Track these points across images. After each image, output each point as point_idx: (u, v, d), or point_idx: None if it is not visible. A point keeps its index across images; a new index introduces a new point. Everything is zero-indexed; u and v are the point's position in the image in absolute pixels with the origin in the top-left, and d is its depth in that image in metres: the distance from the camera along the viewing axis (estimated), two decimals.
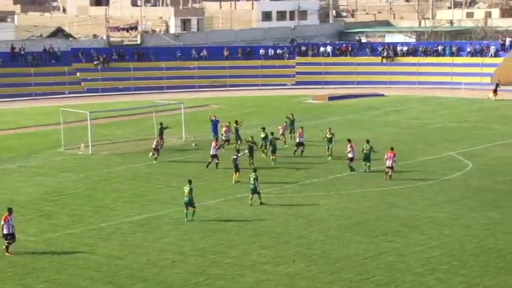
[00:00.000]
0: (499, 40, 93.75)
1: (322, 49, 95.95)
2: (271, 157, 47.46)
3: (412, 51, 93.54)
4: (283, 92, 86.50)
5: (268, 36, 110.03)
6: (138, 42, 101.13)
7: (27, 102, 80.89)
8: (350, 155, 44.82)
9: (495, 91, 76.60)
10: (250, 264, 29.49)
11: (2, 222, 31.09)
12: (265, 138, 49.45)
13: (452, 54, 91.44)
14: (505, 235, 32.72)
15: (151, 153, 49.11)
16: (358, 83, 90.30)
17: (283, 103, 76.34)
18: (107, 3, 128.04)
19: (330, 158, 48.19)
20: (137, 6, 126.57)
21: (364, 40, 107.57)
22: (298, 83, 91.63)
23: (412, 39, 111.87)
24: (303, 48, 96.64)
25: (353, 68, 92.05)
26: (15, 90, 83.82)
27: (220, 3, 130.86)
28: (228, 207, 37.94)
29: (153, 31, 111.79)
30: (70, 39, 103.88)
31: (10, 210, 31.57)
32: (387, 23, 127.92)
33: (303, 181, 43.18)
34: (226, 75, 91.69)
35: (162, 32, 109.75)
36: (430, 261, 29.45)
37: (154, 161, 48.62)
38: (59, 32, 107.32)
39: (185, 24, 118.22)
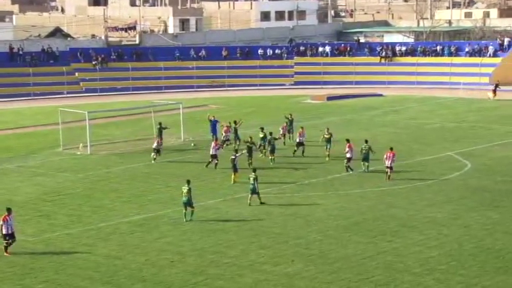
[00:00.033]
0: (498, 40, 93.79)
1: (320, 49, 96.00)
2: (270, 157, 47.46)
3: (411, 51, 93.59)
4: (282, 92, 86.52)
5: (267, 36, 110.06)
6: (137, 42, 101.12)
7: (26, 102, 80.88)
8: (348, 155, 44.83)
9: (494, 91, 76.66)
10: (248, 264, 29.49)
11: (1, 223, 31.05)
12: (263, 138, 49.46)
13: (450, 54, 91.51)
14: (503, 235, 32.73)
15: (153, 154, 49.04)
16: (357, 83, 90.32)
17: (282, 103, 76.36)
18: (106, 3, 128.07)
19: (327, 158, 48.17)
20: (136, 6, 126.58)
21: (362, 40, 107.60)
22: (296, 83, 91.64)
23: (411, 39, 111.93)
24: (302, 48, 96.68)
25: (351, 68, 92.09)
26: (13, 90, 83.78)
27: (218, 3, 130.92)
28: (227, 207, 37.94)
29: (152, 31, 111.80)
30: (68, 39, 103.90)
31: (9, 210, 31.53)
32: (386, 23, 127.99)
33: (302, 181, 43.19)
34: (225, 75, 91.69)
35: (161, 32, 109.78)
36: (428, 261, 29.47)
37: (153, 161, 48.60)
38: (57, 32, 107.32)
39: (184, 24, 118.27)
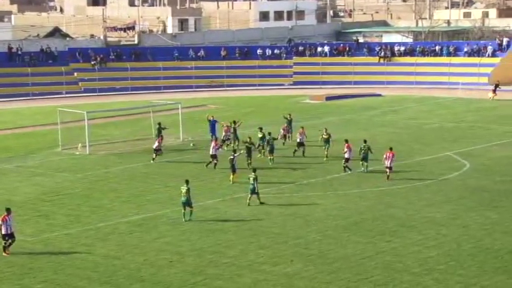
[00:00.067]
0: (496, 40, 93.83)
1: (319, 49, 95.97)
2: (269, 157, 47.44)
3: (410, 51, 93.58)
4: (281, 92, 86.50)
5: (266, 36, 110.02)
6: (136, 42, 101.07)
7: (25, 102, 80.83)
8: (346, 156, 44.83)
9: (494, 91, 76.69)
10: (248, 264, 29.48)
11: (0, 223, 31.06)
12: (262, 138, 49.44)
13: (449, 54, 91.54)
14: (502, 235, 32.74)
15: (155, 155, 48.96)
16: (356, 83, 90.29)
17: (281, 103, 76.35)
18: (104, 3, 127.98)
19: (325, 158, 48.13)
20: (134, 6, 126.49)
21: (361, 40, 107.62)
22: (295, 83, 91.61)
23: (410, 39, 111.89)
24: (301, 48, 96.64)
25: (350, 68, 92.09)
26: (12, 90, 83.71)
27: (217, 3, 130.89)
28: (226, 207, 37.94)
29: (151, 31, 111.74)
30: (67, 39, 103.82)
31: (8, 210, 31.53)
32: (384, 23, 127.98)
33: (301, 181, 43.19)
34: (224, 75, 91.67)
35: (160, 32, 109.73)
36: (427, 261, 29.47)
37: (152, 161, 48.59)
38: (56, 32, 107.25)
39: (182, 24, 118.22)
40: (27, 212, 37.33)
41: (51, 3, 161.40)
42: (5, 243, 31.02)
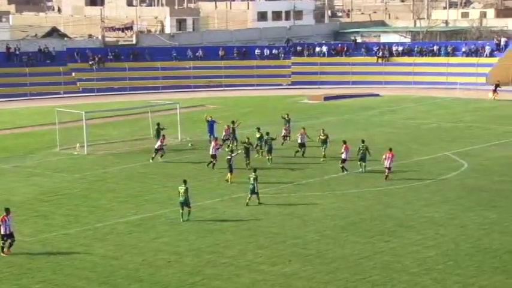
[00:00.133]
0: (494, 40, 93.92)
1: (317, 49, 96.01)
2: (267, 157, 47.43)
3: (408, 51, 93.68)
4: (279, 92, 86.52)
5: (264, 36, 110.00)
6: (134, 42, 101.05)
7: (23, 102, 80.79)
8: (343, 156, 44.82)
9: (494, 91, 76.73)
10: (246, 264, 29.49)
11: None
12: (260, 138, 49.42)
13: (447, 54, 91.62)
14: (500, 235, 32.76)
15: (159, 155, 48.93)
16: (354, 83, 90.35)
17: (279, 103, 76.36)
18: (102, 3, 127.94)
19: (322, 159, 48.10)
20: (132, 6, 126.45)
21: (359, 40, 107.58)
22: (293, 83, 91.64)
23: (408, 39, 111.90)
24: (299, 48, 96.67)
25: (348, 68, 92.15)
26: (10, 90, 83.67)
27: (215, 3, 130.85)
28: (224, 207, 37.94)
29: (149, 31, 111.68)
30: (65, 39, 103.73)
31: (7, 211, 31.51)
32: (382, 23, 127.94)
33: (299, 181, 43.20)
34: (222, 75, 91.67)
35: (158, 32, 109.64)
36: (425, 261, 29.48)
37: (150, 160, 48.57)
38: (54, 32, 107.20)
39: (180, 24, 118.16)
40: (25, 212, 37.30)
41: (49, 3, 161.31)
42: (3, 243, 31.01)
